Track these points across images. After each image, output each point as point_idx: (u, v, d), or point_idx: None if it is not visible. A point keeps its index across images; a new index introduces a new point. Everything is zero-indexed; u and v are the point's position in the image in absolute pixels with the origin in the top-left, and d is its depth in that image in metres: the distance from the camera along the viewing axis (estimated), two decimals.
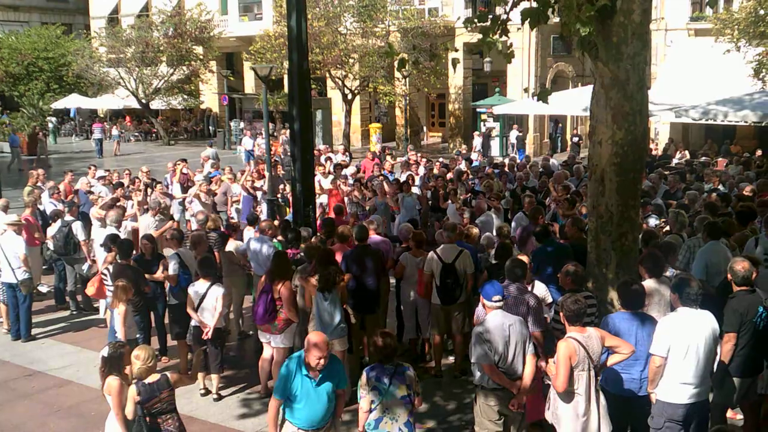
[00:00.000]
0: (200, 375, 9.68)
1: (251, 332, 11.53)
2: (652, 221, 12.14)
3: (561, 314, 6.80)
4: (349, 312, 9.66)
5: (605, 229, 8.38)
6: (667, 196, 15.02)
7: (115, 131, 42.60)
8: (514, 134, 34.87)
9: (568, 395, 6.51)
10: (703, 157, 23.91)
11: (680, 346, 6.50)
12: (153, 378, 6.83)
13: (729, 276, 7.53)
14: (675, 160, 24.91)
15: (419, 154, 24.85)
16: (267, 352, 9.55)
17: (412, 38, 34.68)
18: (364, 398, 6.55)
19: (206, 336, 9.42)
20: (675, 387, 6.55)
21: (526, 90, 31.73)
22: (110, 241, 11.14)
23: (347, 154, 26.06)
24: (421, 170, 20.24)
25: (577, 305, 6.59)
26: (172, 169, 19.27)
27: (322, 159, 21.46)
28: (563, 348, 6.44)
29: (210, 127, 47.71)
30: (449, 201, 15.61)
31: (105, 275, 10.40)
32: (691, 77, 27.57)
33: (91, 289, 10.85)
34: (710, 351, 6.64)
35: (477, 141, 34.41)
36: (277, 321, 9.20)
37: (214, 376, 9.71)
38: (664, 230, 11.53)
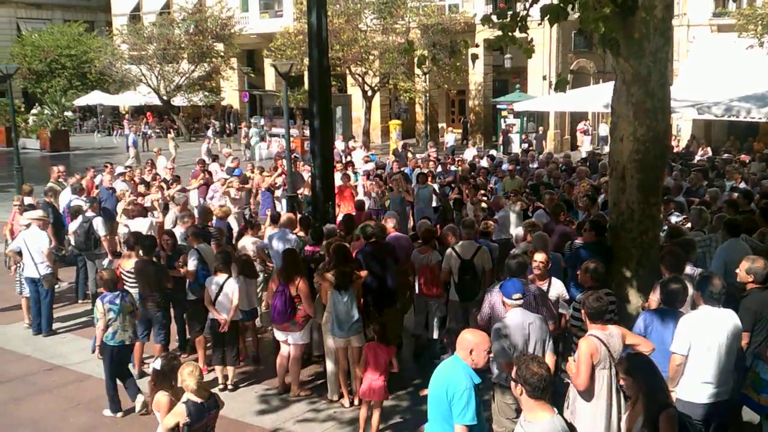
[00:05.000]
0: (218, 368, 9.76)
1: (269, 328, 11.55)
2: (674, 219, 12.04)
3: (582, 312, 6.75)
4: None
5: (626, 226, 8.32)
6: (689, 193, 14.89)
7: (144, 128, 43.05)
8: (603, 128, 33.40)
9: (588, 394, 6.45)
10: (726, 154, 23.66)
11: (701, 345, 6.43)
12: (203, 397, 6.49)
13: (744, 273, 7.43)
14: (697, 157, 24.70)
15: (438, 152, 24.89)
16: (284, 350, 9.56)
17: (432, 35, 34.62)
18: (102, 319, 8.77)
19: (223, 329, 9.50)
20: (695, 386, 6.48)
21: (545, 77, 31.32)
22: (132, 239, 11.18)
23: (365, 148, 26.22)
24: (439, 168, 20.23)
25: (599, 303, 6.53)
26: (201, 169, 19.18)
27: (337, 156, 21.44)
28: (584, 346, 6.38)
29: (231, 124, 47.89)
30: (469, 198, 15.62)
31: (129, 274, 10.38)
32: (714, 73, 27.30)
33: None
34: (732, 350, 6.56)
35: (449, 137, 34.16)
36: (297, 318, 9.21)
37: (230, 369, 9.77)
38: (685, 227, 11.42)
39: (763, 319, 7.15)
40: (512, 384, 5.01)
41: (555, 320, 8.12)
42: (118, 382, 9.18)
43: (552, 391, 5.04)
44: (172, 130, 40.02)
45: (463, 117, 43.52)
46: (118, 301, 8.96)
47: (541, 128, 35.50)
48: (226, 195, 16.42)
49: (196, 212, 16.55)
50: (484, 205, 13.96)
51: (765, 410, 6.94)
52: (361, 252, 10.04)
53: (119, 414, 9.10)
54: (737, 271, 7.56)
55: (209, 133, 40.62)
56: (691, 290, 7.36)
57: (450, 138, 34.05)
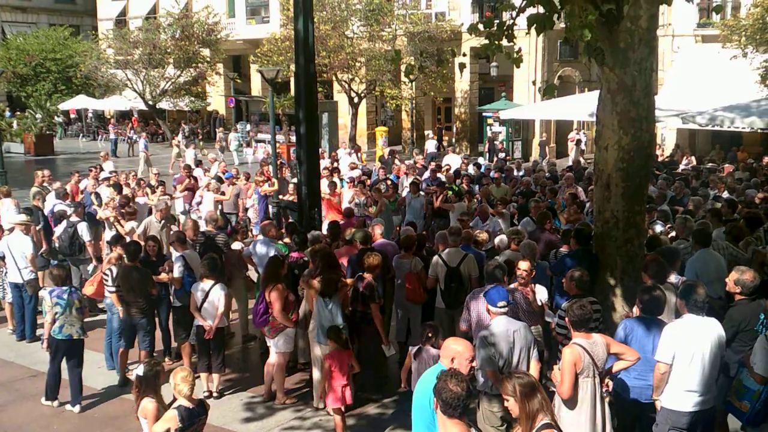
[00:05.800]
0: (203, 375, 9.70)
1: (257, 335, 11.51)
2: (658, 227, 12.10)
3: (567, 320, 6.77)
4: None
5: (611, 235, 8.36)
6: (673, 202, 14.99)
7: (130, 133, 42.89)
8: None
9: (572, 402, 6.46)
10: (710, 164, 23.83)
11: (685, 354, 6.46)
12: (193, 402, 6.49)
13: (732, 284, 7.47)
14: (682, 166, 24.86)
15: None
16: (272, 357, 9.52)
17: (418, 42, 34.70)
18: (49, 313, 9.11)
19: (208, 336, 9.46)
20: (680, 394, 6.52)
21: (534, 83, 31.47)
22: (114, 242, 11.13)
23: (356, 154, 26.32)
24: (426, 174, 20.23)
25: (583, 311, 6.54)
26: (186, 174, 19.07)
27: (325, 162, 21.42)
28: (568, 354, 6.40)
29: (216, 130, 47.74)
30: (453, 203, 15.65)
31: (107, 275, 10.34)
32: (698, 83, 27.53)
33: (90, 289, 10.73)
34: (716, 358, 6.59)
35: (430, 144, 34.08)
36: (271, 324, 9.20)
37: (215, 376, 9.73)
38: (669, 236, 11.49)
39: (749, 330, 7.20)
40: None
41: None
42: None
43: (466, 410, 4.89)
44: (176, 136, 39.76)
45: (438, 125, 43.63)
46: (65, 296, 9.23)
47: (545, 135, 35.62)
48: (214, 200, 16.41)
49: (181, 218, 16.64)
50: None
51: (745, 416, 7.00)
52: (350, 260, 10.05)
53: (55, 403, 9.44)
54: (727, 280, 7.61)
55: (179, 137, 40.09)
56: (674, 299, 7.41)
57: (430, 144, 34.05)
